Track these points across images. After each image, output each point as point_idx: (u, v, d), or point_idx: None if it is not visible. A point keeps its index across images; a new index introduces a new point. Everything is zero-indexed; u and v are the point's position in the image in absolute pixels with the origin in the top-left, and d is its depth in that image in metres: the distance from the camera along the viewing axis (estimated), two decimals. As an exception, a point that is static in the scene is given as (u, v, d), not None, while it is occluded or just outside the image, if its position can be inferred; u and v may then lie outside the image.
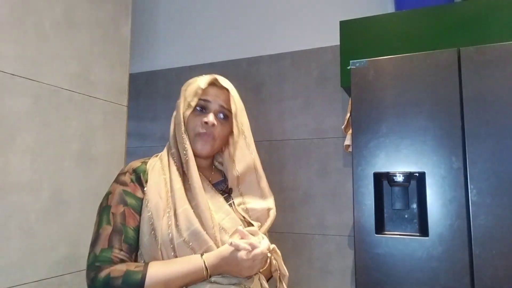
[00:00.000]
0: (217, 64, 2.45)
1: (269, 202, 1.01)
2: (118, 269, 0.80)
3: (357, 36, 1.83)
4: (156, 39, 2.75)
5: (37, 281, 1.27)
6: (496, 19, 1.60)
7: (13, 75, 1.24)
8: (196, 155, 0.99)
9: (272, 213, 1.00)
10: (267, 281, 1.01)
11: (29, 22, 1.30)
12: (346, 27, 1.86)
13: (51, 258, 1.32)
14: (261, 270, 0.94)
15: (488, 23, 1.61)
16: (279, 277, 0.98)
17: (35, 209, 1.29)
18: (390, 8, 2.09)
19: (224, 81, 1.00)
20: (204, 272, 0.82)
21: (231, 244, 0.82)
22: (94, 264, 0.82)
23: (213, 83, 1.00)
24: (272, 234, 1.02)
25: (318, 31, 2.26)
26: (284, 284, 0.98)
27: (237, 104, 1.00)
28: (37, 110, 1.31)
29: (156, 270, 0.81)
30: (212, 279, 0.84)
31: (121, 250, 0.84)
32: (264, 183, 1.02)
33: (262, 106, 2.33)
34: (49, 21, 1.37)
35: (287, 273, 0.99)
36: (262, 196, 1.01)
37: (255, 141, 1.03)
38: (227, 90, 1.00)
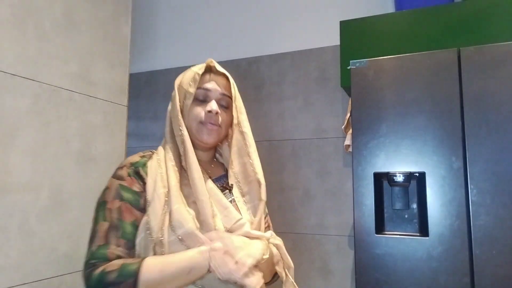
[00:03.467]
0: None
1: (263, 191, 0.97)
2: (114, 264, 0.78)
3: (357, 36, 1.83)
4: (156, 39, 2.75)
5: (37, 281, 1.27)
6: (496, 19, 1.60)
7: (13, 75, 1.24)
8: (200, 147, 0.97)
9: (263, 203, 0.97)
10: (273, 278, 0.96)
11: (29, 22, 1.30)
12: (346, 27, 1.86)
13: (51, 258, 1.32)
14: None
15: (488, 23, 1.61)
16: (284, 268, 0.93)
17: (35, 209, 1.29)
18: (390, 8, 2.09)
19: (220, 67, 0.99)
20: (205, 254, 0.79)
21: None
22: (89, 262, 0.80)
23: (209, 69, 0.97)
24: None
25: (318, 31, 2.26)
26: (290, 276, 0.93)
27: (235, 89, 0.98)
28: (37, 110, 1.31)
29: (153, 261, 0.79)
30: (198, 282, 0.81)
31: (119, 245, 0.82)
32: (259, 173, 0.98)
33: (262, 106, 2.33)
34: (49, 21, 1.37)
35: (292, 265, 0.94)
36: (259, 186, 0.97)
37: (255, 141, 1.01)
38: (224, 75, 0.98)
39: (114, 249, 0.81)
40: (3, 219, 1.19)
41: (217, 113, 0.93)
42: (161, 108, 2.63)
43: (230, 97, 0.97)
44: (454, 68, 1.35)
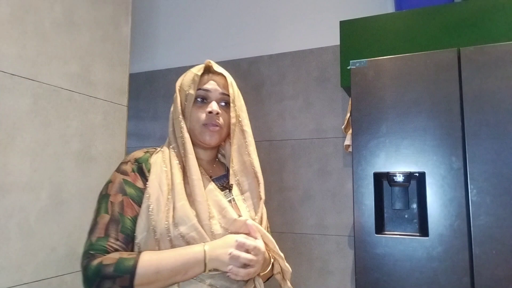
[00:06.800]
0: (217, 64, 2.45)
1: (262, 189, 0.99)
2: (111, 257, 0.80)
3: (357, 36, 1.83)
4: (156, 39, 2.75)
5: (37, 281, 1.27)
6: (496, 19, 1.60)
7: (13, 75, 1.24)
8: (202, 147, 0.99)
9: (264, 207, 0.99)
10: (267, 279, 1.00)
11: (29, 22, 1.30)
12: (346, 27, 1.86)
13: (51, 258, 1.32)
14: (261, 274, 0.93)
15: (488, 23, 1.61)
16: (283, 277, 0.97)
17: (35, 209, 1.29)
18: (390, 8, 2.09)
19: (218, 67, 1.00)
20: (202, 254, 0.82)
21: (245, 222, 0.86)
22: (89, 252, 0.82)
23: (208, 70, 0.99)
24: (272, 234, 1.02)
25: (318, 31, 2.26)
26: (287, 281, 0.98)
27: (234, 88, 0.99)
28: (37, 110, 1.31)
29: (149, 257, 0.81)
30: (207, 281, 0.84)
31: (117, 239, 0.83)
32: (259, 172, 0.99)
33: (262, 106, 2.33)
34: (49, 21, 1.37)
35: (290, 269, 0.98)
36: (258, 184, 0.98)
37: (255, 142, 1.02)
38: (223, 75, 0.99)
39: (113, 242, 0.83)
40: (3, 219, 1.19)
41: (217, 113, 0.95)
42: (161, 108, 2.63)
43: (229, 96, 0.99)
44: (454, 68, 1.35)
